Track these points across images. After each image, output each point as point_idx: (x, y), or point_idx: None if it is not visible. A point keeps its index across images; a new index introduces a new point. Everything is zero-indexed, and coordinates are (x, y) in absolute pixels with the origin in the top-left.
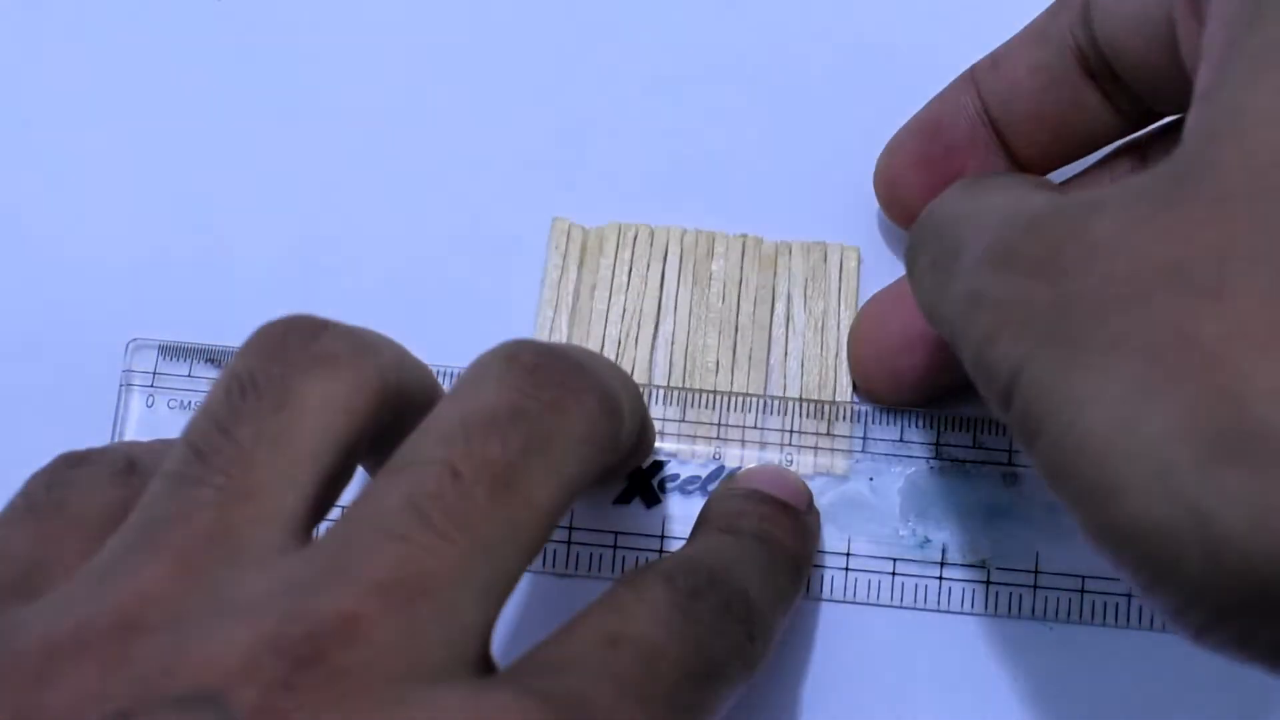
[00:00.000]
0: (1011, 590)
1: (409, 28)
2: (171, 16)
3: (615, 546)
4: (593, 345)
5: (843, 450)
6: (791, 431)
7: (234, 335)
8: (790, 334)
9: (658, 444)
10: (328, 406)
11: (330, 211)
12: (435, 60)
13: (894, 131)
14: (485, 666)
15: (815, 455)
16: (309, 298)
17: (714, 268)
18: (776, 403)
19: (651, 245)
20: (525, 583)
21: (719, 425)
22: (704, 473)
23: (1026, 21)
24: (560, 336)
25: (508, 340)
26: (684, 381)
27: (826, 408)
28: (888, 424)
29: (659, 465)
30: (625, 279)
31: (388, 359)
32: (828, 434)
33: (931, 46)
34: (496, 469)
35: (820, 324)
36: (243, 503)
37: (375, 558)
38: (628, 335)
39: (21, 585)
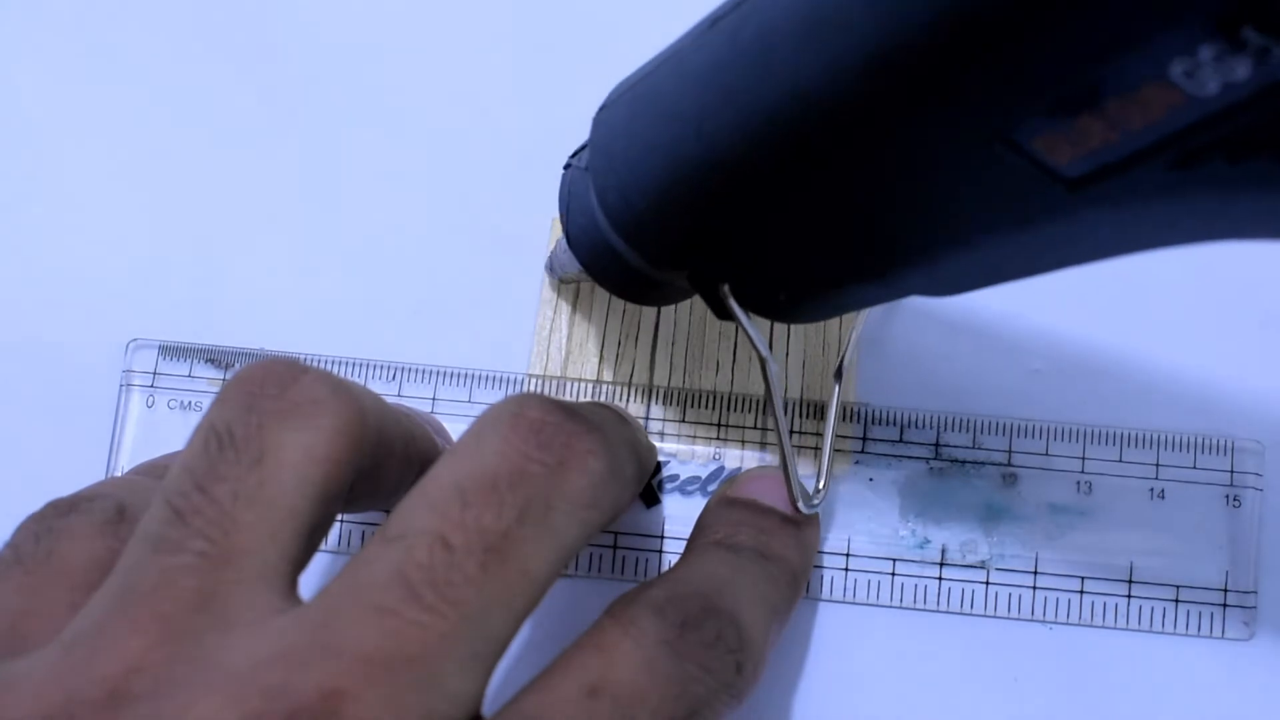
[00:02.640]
0: (1011, 590)
1: (409, 28)
2: (170, 16)
3: (615, 546)
4: (592, 345)
5: (843, 450)
6: (791, 432)
7: (234, 335)
8: (791, 334)
9: (658, 444)
10: (307, 458)
11: (331, 211)
12: (435, 60)
13: None
14: None
15: (815, 455)
16: (309, 298)
17: None
18: None
19: None
20: None
21: (719, 425)
22: (704, 473)
23: None
24: (560, 336)
25: (514, 395)
26: (684, 382)
27: (826, 408)
28: (888, 424)
29: (659, 465)
30: None
31: (368, 403)
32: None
33: None
34: (490, 539)
35: (823, 323)
36: (225, 566)
37: (360, 631)
38: (627, 335)
39: (9, 638)
